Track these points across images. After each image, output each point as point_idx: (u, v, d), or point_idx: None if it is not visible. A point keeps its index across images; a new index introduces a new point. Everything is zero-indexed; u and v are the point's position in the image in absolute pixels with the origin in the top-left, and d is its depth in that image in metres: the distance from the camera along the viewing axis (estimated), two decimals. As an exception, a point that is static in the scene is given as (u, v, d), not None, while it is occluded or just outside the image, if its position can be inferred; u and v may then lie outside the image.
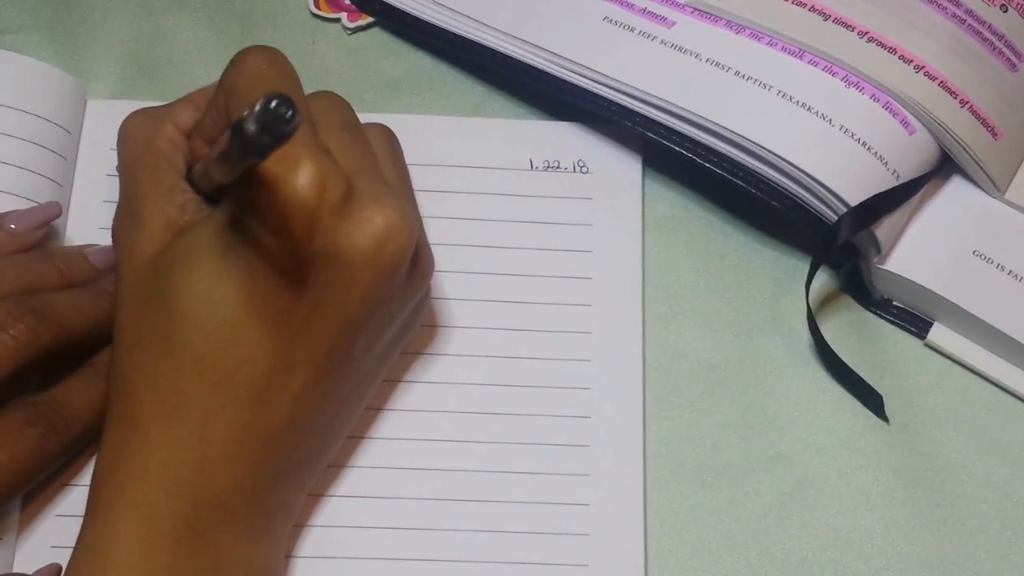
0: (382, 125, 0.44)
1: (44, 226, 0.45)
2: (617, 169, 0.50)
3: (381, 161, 0.41)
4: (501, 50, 0.50)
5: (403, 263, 0.38)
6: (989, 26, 0.48)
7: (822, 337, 0.47)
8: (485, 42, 0.51)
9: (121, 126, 0.44)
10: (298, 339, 0.38)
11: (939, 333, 0.48)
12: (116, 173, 0.49)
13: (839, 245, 0.46)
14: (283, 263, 0.37)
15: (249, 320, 0.38)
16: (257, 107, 0.31)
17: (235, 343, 0.38)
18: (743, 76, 0.47)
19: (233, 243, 0.38)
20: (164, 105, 0.44)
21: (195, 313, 0.38)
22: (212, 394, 0.38)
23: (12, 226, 0.44)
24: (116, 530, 0.38)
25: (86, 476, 0.44)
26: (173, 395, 0.38)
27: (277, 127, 0.31)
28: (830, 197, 0.45)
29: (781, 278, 0.49)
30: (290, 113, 0.31)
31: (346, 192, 0.37)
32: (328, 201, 0.36)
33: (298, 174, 0.36)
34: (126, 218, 0.42)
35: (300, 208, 0.36)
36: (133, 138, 0.43)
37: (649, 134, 0.48)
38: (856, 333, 0.48)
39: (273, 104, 0.30)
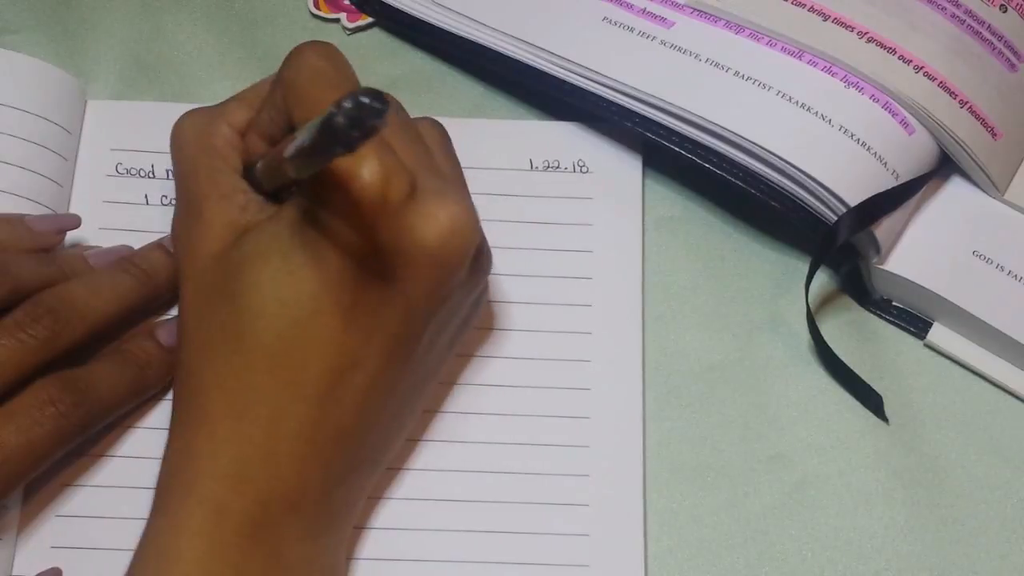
0: (432, 119, 0.44)
1: (62, 233, 0.45)
2: (617, 169, 0.50)
3: (436, 156, 0.42)
4: (501, 50, 0.50)
5: (466, 258, 0.39)
6: (989, 26, 0.48)
7: (822, 337, 0.47)
8: (485, 42, 0.51)
9: (175, 127, 0.44)
10: (365, 336, 0.38)
11: (939, 333, 0.48)
12: (116, 174, 0.49)
13: (839, 245, 0.46)
14: (350, 261, 0.37)
15: (318, 318, 0.38)
16: (348, 102, 0.31)
17: (305, 341, 0.38)
18: (743, 76, 0.47)
19: (300, 242, 0.38)
20: (217, 105, 0.45)
21: (266, 312, 0.38)
22: (282, 391, 0.38)
23: (32, 226, 0.44)
24: (183, 526, 0.38)
25: (86, 476, 0.44)
26: (243, 393, 0.39)
27: (367, 121, 0.31)
28: (830, 197, 0.45)
29: (781, 278, 0.49)
30: (381, 106, 0.31)
31: (410, 188, 0.37)
32: (393, 197, 0.37)
33: (363, 171, 0.36)
34: (186, 219, 0.43)
35: (366, 204, 0.36)
36: (188, 140, 0.44)
37: (649, 134, 0.48)
38: (856, 333, 0.48)
39: (365, 99, 0.30)
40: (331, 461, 0.40)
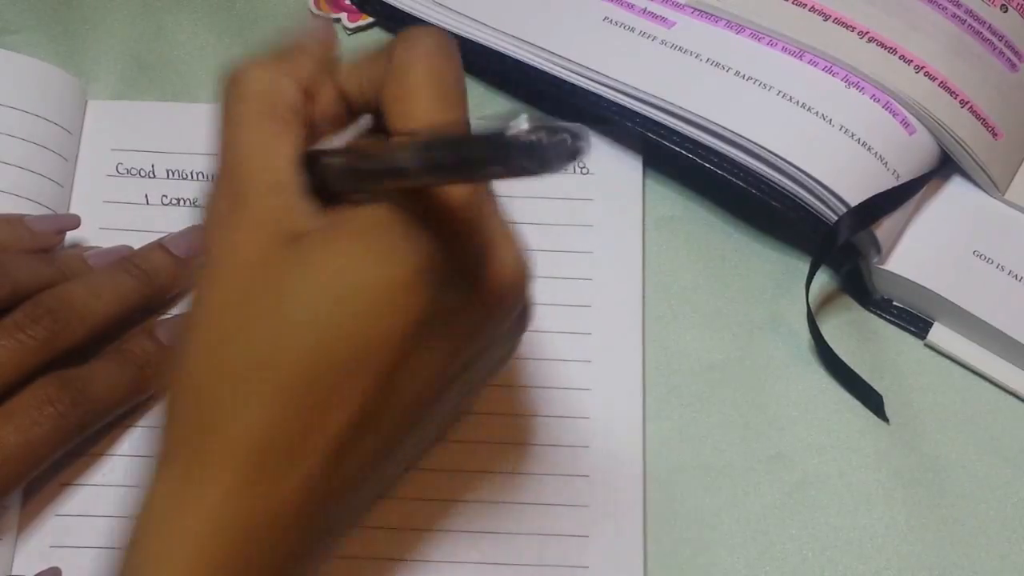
0: None
1: (61, 233, 0.45)
2: (617, 169, 0.50)
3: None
4: (501, 50, 0.50)
5: (521, 304, 0.36)
6: (989, 26, 0.48)
7: (822, 337, 0.47)
8: (485, 42, 0.51)
9: (236, 78, 0.36)
10: (396, 390, 0.34)
11: (939, 333, 0.48)
12: (117, 174, 0.49)
13: (839, 245, 0.46)
14: (416, 316, 0.33)
15: (360, 371, 0.33)
16: (551, 133, 0.26)
17: (336, 388, 0.33)
18: (743, 76, 0.47)
19: (366, 282, 0.33)
20: (279, 53, 0.37)
21: (310, 346, 0.33)
22: (301, 438, 0.33)
23: (32, 226, 0.44)
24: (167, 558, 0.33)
25: (86, 476, 0.44)
26: (262, 434, 0.33)
27: (557, 161, 0.27)
28: (830, 197, 0.45)
29: (781, 278, 0.49)
30: (580, 145, 0.27)
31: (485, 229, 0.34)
32: (467, 245, 0.34)
33: (461, 201, 0.33)
34: (225, 200, 0.35)
35: (455, 232, 0.33)
36: (248, 96, 0.36)
37: (649, 134, 0.48)
38: (856, 333, 0.48)
39: (570, 139, 0.26)
40: (318, 521, 0.35)
